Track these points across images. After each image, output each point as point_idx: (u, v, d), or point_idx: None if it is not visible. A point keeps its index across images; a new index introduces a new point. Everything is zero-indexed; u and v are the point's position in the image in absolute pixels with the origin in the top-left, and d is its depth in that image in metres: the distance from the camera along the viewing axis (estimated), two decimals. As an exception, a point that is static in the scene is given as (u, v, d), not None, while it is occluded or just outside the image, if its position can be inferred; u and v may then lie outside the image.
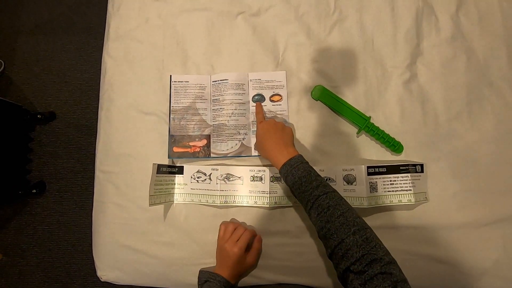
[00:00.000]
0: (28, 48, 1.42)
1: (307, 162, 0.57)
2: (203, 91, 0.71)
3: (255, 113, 0.69)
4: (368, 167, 0.63)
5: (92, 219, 0.72)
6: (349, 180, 0.63)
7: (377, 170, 0.63)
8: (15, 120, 1.27)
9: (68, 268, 1.27)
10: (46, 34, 1.43)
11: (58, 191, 1.32)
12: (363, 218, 0.62)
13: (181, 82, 0.71)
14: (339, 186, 0.63)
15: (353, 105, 0.68)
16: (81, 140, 1.35)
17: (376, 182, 0.63)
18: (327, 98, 0.69)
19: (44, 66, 1.40)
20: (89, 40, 1.41)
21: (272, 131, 0.61)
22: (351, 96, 0.69)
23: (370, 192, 0.62)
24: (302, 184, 0.53)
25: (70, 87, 1.39)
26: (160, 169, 0.63)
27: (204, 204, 0.67)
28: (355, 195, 0.62)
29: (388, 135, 0.66)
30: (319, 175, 0.55)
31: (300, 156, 0.57)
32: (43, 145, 1.35)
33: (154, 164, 0.61)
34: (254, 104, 0.70)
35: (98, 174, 0.72)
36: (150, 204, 0.60)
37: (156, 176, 0.62)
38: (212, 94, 0.71)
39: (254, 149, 0.68)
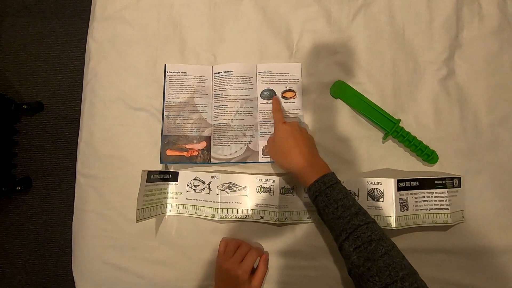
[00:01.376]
0: (14, 32, 1.33)
1: (340, 182, 0.49)
2: (203, 84, 0.63)
3: (273, 111, 0.60)
4: (399, 181, 0.53)
5: (72, 230, 0.64)
6: (375, 195, 0.54)
7: (408, 184, 0.54)
8: (-2, 110, 1.18)
9: (55, 272, 1.21)
10: (34, 17, 1.34)
11: (45, 188, 1.26)
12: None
13: (178, 73, 0.63)
14: (362, 202, 0.54)
15: (379, 105, 0.60)
16: (70, 134, 1.28)
17: (406, 198, 0.54)
18: (349, 96, 0.61)
19: (31, 52, 1.32)
20: (80, 24, 1.32)
21: (299, 136, 0.52)
22: (377, 95, 0.62)
23: (400, 210, 0.53)
24: (338, 208, 0.45)
25: (59, 75, 1.31)
26: (151, 176, 0.54)
27: (201, 217, 0.59)
28: (382, 214, 0.53)
29: (420, 142, 0.58)
30: (355, 199, 0.47)
31: (333, 173, 0.49)
32: (29, 138, 1.28)
33: (143, 171, 0.53)
34: (263, 101, 0.62)
35: (79, 178, 0.64)
36: (138, 220, 0.52)
37: (146, 186, 0.53)
38: (213, 88, 0.63)
39: (263, 154, 0.60)
